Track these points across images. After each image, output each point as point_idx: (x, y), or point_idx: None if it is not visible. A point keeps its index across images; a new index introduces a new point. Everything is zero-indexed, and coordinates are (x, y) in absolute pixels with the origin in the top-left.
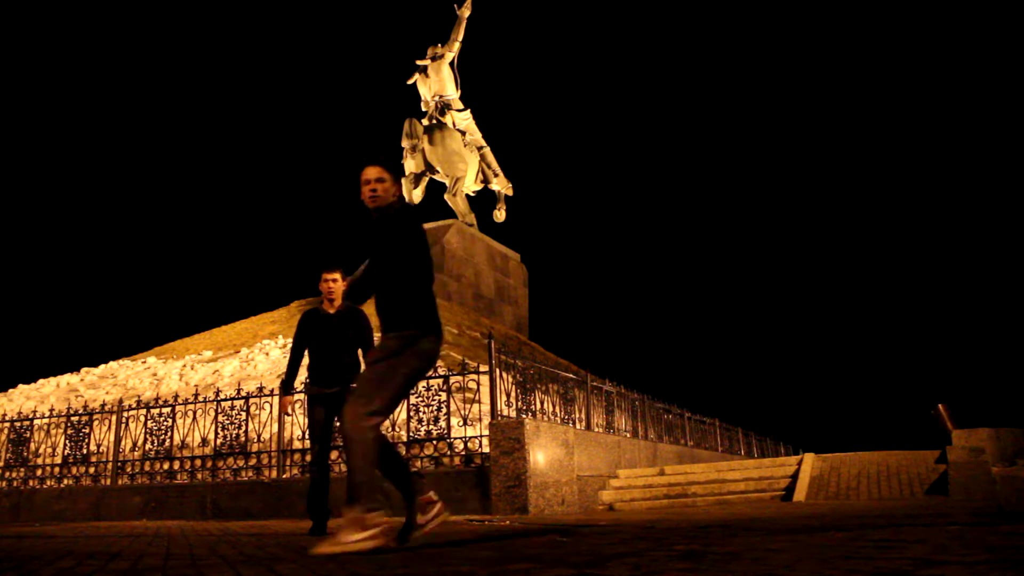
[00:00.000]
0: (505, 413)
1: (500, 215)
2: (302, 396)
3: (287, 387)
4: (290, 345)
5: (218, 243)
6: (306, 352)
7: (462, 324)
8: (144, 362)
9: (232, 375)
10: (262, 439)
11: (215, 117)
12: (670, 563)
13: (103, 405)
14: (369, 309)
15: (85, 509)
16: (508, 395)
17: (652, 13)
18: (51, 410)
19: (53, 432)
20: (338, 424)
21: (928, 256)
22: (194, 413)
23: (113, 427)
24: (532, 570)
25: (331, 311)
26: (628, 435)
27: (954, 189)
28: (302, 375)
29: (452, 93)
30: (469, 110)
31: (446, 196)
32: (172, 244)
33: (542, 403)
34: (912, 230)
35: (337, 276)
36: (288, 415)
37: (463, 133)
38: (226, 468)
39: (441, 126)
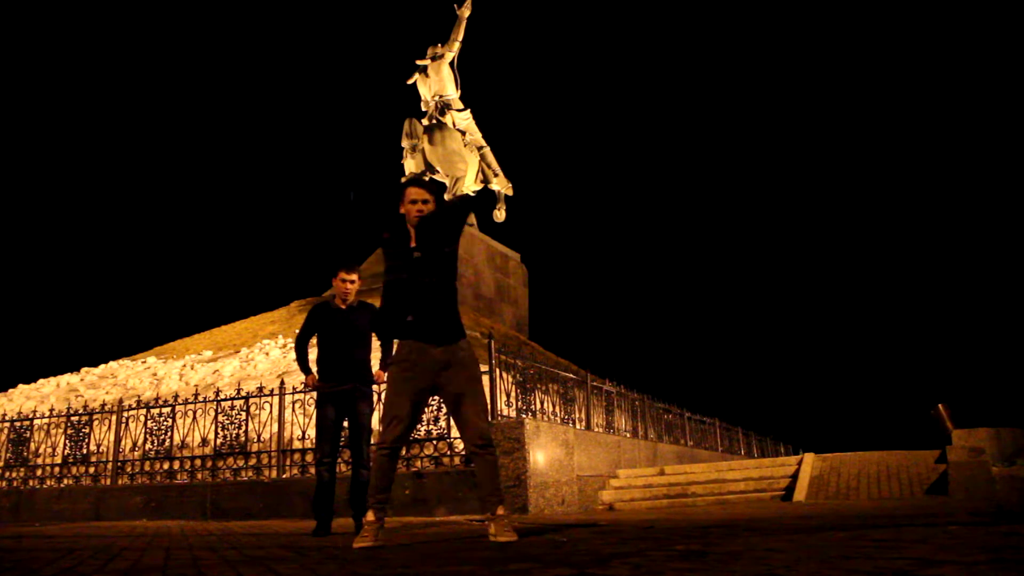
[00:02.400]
0: (505, 413)
1: (500, 215)
2: (302, 396)
3: (305, 368)
4: (290, 344)
5: (218, 243)
6: (311, 346)
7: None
8: (144, 362)
9: (232, 375)
10: (262, 439)
11: (215, 117)
12: (670, 563)
13: (103, 405)
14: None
15: (85, 509)
16: (508, 395)
17: (652, 13)
18: (51, 410)
19: (53, 432)
20: (349, 425)
21: (928, 256)
22: (194, 413)
23: (113, 427)
24: (532, 570)
25: (343, 307)
26: (628, 435)
27: (954, 189)
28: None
29: (452, 93)
30: (469, 110)
31: (446, 196)
32: (172, 244)
33: (542, 403)
34: (912, 230)
35: (355, 278)
36: (309, 388)
37: (463, 133)
38: (226, 468)
39: (441, 126)
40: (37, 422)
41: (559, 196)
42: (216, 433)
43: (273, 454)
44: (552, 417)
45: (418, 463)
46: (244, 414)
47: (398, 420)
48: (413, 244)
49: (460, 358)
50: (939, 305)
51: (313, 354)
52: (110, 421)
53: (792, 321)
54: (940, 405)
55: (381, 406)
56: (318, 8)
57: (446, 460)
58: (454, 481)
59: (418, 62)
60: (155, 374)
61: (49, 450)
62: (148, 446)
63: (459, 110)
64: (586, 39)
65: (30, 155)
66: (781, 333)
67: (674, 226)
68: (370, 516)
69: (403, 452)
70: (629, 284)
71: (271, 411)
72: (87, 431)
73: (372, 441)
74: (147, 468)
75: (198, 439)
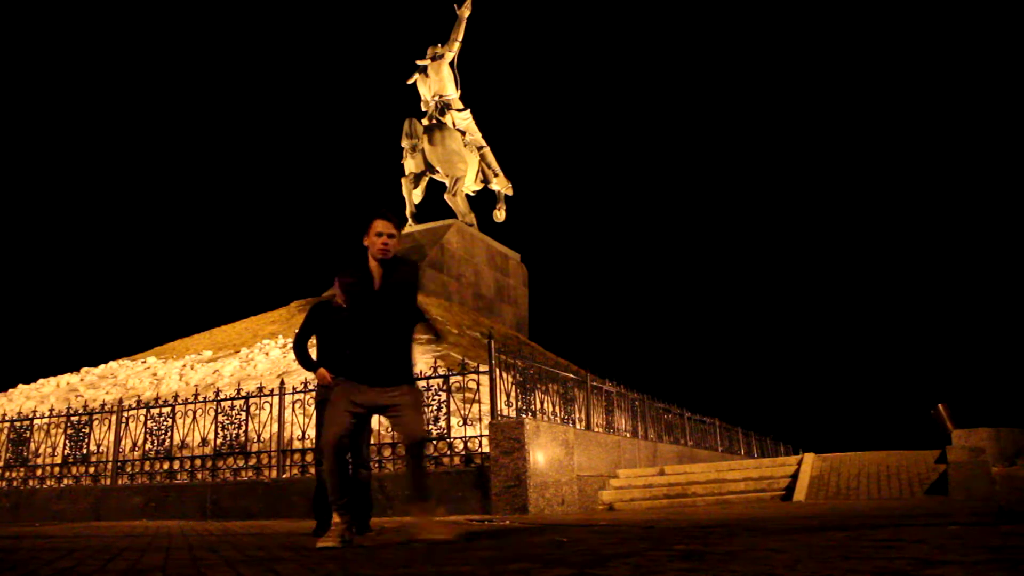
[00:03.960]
0: (505, 413)
1: (500, 215)
2: (302, 396)
3: (312, 365)
4: (291, 344)
5: (218, 243)
6: (311, 345)
7: (462, 324)
8: (144, 362)
9: (232, 375)
10: (262, 439)
11: (215, 117)
12: (670, 563)
13: (103, 405)
14: None
15: (85, 509)
16: (508, 395)
17: (652, 13)
18: (51, 410)
19: (53, 432)
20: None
21: (928, 256)
22: (194, 413)
23: (113, 427)
24: (532, 570)
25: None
26: (628, 435)
27: (954, 189)
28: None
29: (452, 93)
30: (469, 110)
31: (446, 196)
32: (172, 244)
33: (542, 403)
34: (912, 230)
35: None
36: (329, 385)
37: (463, 133)
38: (226, 468)
39: (441, 126)
40: (37, 422)
41: (559, 196)
42: (216, 433)
43: (273, 454)
44: (552, 417)
45: None
46: (244, 414)
47: (333, 426)
48: (376, 285)
49: (399, 392)
50: (939, 305)
51: (312, 354)
52: (110, 421)
53: (792, 321)
54: (940, 405)
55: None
56: (318, 8)
57: (446, 460)
58: (454, 481)
59: (418, 62)
60: (155, 374)
61: (49, 450)
62: (148, 446)
63: (459, 110)
64: (586, 39)
65: (30, 155)
66: (781, 333)
67: (674, 226)
68: (336, 517)
69: (403, 452)
70: (629, 284)
71: (271, 411)
72: (87, 431)
73: (372, 441)
74: (147, 468)
75: (198, 439)
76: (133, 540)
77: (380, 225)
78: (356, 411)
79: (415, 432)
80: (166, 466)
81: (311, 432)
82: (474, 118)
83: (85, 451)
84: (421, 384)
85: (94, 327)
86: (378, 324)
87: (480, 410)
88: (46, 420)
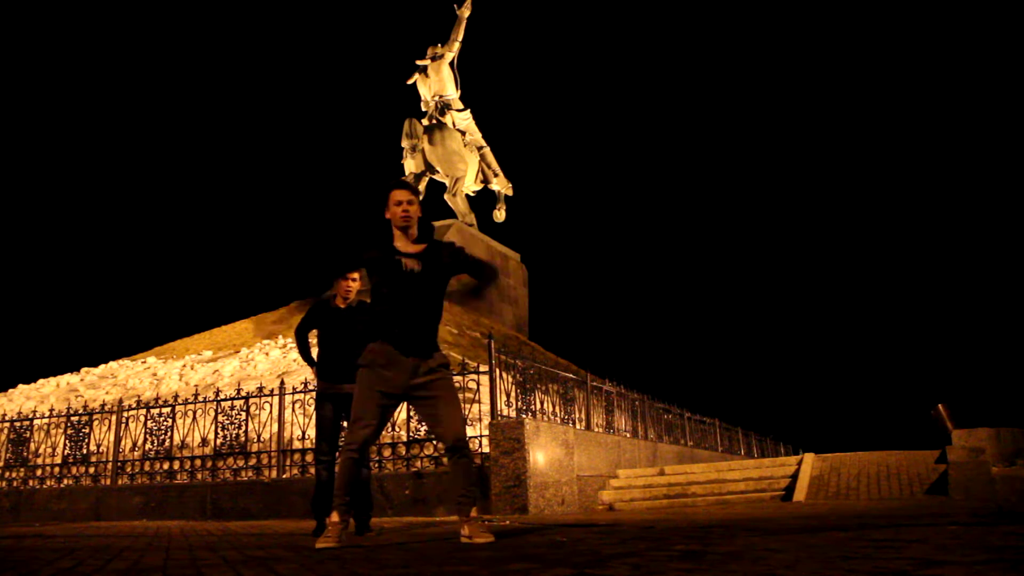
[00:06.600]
0: (505, 413)
1: (500, 215)
2: (302, 396)
3: (311, 361)
4: (291, 344)
5: (218, 243)
6: (312, 346)
7: (462, 324)
8: (144, 362)
9: (232, 375)
10: (262, 439)
11: (215, 117)
12: (670, 563)
13: (103, 405)
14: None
15: (85, 509)
16: (508, 395)
17: (652, 13)
18: (51, 410)
19: (53, 432)
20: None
21: (928, 256)
22: (194, 413)
23: (113, 427)
24: (532, 570)
25: (342, 306)
26: (628, 435)
27: (954, 189)
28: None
29: (452, 93)
30: (469, 110)
31: (446, 196)
32: (172, 244)
33: (542, 403)
34: (912, 230)
35: (358, 276)
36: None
37: (463, 133)
38: (226, 468)
39: (441, 126)
40: (37, 422)
41: (559, 196)
42: (216, 433)
43: (273, 454)
44: (552, 417)
45: (418, 463)
46: (244, 414)
47: (365, 422)
48: (408, 255)
49: (432, 367)
50: (939, 305)
51: (314, 353)
52: (110, 421)
53: (792, 321)
54: (940, 405)
55: None
56: (318, 8)
57: (446, 460)
58: None
59: (418, 62)
60: (155, 374)
61: (49, 450)
62: (148, 446)
63: (459, 110)
64: (586, 39)
65: (30, 155)
66: (781, 333)
67: (674, 226)
68: (334, 517)
69: (403, 452)
70: (629, 284)
71: (271, 411)
72: (87, 431)
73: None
74: (147, 468)
75: (198, 439)
76: (133, 540)
77: (398, 194)
78: (386, 403)
79: (456, 432)
80: (166, 466)
81: (311, 432)
82: (474, 118)
83: (85, 451)
84: None
85: (94, 327)
86: (414, 298)
87: (480, 410)
88: (46, 420)
